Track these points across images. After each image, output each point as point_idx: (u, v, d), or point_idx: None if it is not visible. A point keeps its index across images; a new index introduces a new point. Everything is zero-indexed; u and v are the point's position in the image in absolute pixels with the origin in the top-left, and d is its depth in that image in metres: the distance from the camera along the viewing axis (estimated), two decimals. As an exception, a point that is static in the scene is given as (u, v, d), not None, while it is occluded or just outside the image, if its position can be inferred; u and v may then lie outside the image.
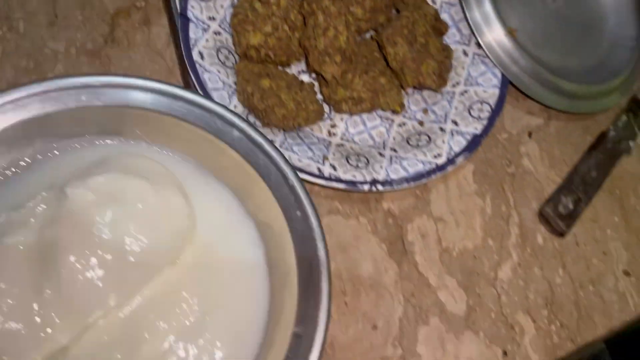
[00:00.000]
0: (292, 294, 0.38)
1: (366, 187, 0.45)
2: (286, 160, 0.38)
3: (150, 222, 0.39)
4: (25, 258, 0.36)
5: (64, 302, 0.36)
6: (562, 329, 0.48)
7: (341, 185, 0.45)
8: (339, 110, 0.49)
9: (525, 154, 0.55)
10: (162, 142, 0.42)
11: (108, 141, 0.42)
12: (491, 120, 0.50)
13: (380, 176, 0.46)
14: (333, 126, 0.50)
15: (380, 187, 0.46)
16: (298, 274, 0.38)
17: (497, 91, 0.51)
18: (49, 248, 0.36)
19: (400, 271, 0.47)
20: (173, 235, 0.39)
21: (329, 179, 0.45)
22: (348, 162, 0.47)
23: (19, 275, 0.35)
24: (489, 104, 0.51)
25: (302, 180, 0.38)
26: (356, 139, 0.50)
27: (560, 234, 0.51)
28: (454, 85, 0.53)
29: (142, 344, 0.37)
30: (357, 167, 0.47)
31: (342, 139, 0.50)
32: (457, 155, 0.48)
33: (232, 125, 0.39)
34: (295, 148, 0.46)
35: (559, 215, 0.50)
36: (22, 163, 0.40)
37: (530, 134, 0.55)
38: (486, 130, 0.50)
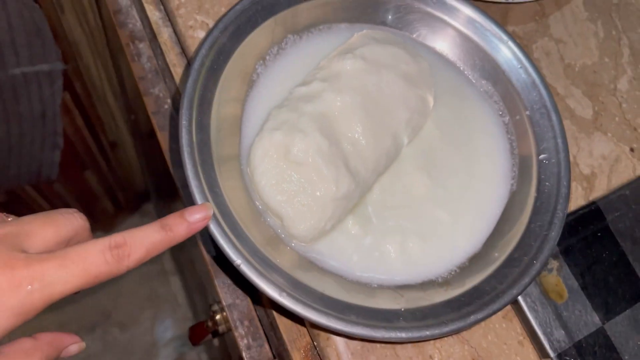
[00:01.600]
0: (527, 132, 0.45)
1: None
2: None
3: (411, 80, 0.44)
4: (326, 119, 0.41)
5: (360, 156, 0.42)
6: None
7: (481, -4, 0.49)
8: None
9: (626, -12, 0.59)
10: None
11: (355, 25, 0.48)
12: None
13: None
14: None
15: (515, -2, 0.50)
16: (528, 116, 0.45)
17: None
18: (342, 111, 0.41)
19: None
20: (427, 91, 0.45)
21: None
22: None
23: (326, 132, 0.40)
24: None
25: (520, 46, 0.46)
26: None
27: (669, 51, 0.55)
28: None
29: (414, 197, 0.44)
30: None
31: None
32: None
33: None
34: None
35: (669, 30, 0.54)
36: (281, 50, 0.45)
37: (628, -27, 0.60)
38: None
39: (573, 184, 0.49)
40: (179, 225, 0.32)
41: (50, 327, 0.29)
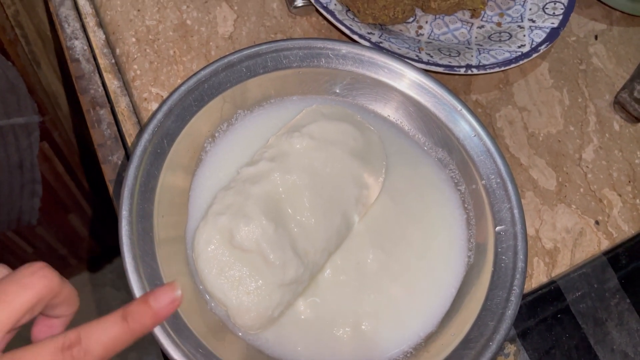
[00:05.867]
0: (484, 202, 0.44)
1: (462, 70, 0.49)
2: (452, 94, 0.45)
3: (360, 156, 0.44)
4: (274, 200, 0.40)
5: (309, 237, 0.41)
6: (646, 200, 0.51)
7: (439, 69, 0.48)
8: (427, 9, 0.53)
9: (594, 53, 0.58)
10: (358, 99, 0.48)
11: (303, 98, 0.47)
12: (566, 15, 0.54)
13: (473, 62, 0.50)
14: (420, 28, 0.54)
15: (474, 70, 0.49)
16: (484, 185, 0.43)
17: (568, -9, 0.55)
18: (290, 192, 0.41)
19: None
20: (377, 164, 0.45)
21: (427, 63, 0.48)
22: (441, 52, 0.51)
23: (272, 215, 0.40)
24: (561, 2, 0.55)
25: (474, 114, 0.45)
26: (442, 39, 0.54)
27: (636, 119, 0.54)
28: (525, -9, 0.57)
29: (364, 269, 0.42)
30: (450, 55, 0.50)
31: (429, 38, 0.53)
32: (540, 44, 0.52)
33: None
34: (392, 40, 0.50)
35: (635, 99, 0.53)
36: (230, 126, 0.45)
37: (596, 37, 0.59)
38: (563, 23, 0.53)
39: (535, 260, 0.48)
40: (144, 315, 0.29)
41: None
